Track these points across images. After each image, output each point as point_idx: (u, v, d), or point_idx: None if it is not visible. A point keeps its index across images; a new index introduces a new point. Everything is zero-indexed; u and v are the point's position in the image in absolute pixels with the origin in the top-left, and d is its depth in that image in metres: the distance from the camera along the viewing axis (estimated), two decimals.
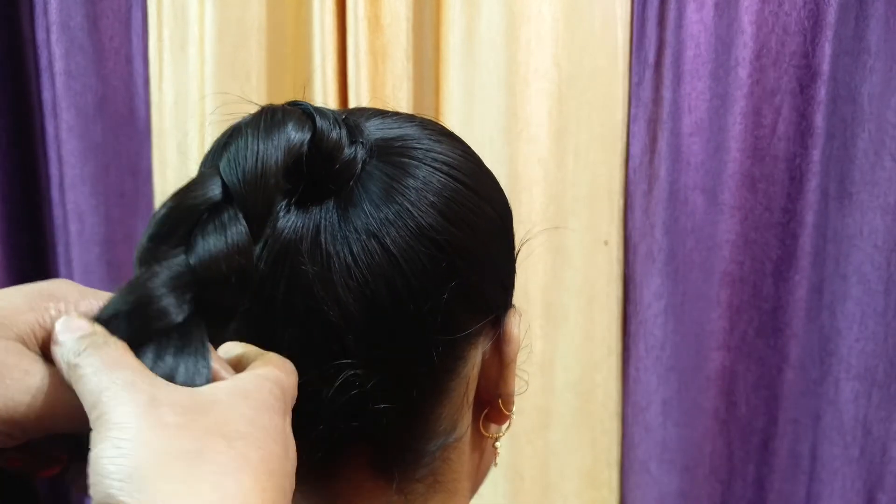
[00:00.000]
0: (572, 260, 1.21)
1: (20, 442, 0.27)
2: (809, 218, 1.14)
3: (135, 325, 0.29)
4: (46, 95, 1.27)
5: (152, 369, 0.28)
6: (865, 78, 1.11)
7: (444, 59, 1.22)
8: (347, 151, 0.35)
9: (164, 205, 0.31)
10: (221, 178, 0.32)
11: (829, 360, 1.18)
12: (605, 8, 1.17)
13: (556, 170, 1.20)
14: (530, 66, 1.19)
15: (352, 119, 0.37)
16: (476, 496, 0.45)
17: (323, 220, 0.34)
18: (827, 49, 1.10)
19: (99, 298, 0.30)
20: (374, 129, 0.38)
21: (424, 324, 0.35)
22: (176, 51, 1.24)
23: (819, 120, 1.12)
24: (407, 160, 0.36)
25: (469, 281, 0.36)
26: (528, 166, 1.20)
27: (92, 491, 0.24)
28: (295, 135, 0.33)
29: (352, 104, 1.21)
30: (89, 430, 0.25)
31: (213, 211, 0.31)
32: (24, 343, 0.28)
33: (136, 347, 0.29)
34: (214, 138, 0.35)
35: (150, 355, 0.29)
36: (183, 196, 0.31)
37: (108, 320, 0.29)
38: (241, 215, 0.31)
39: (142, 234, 0.31)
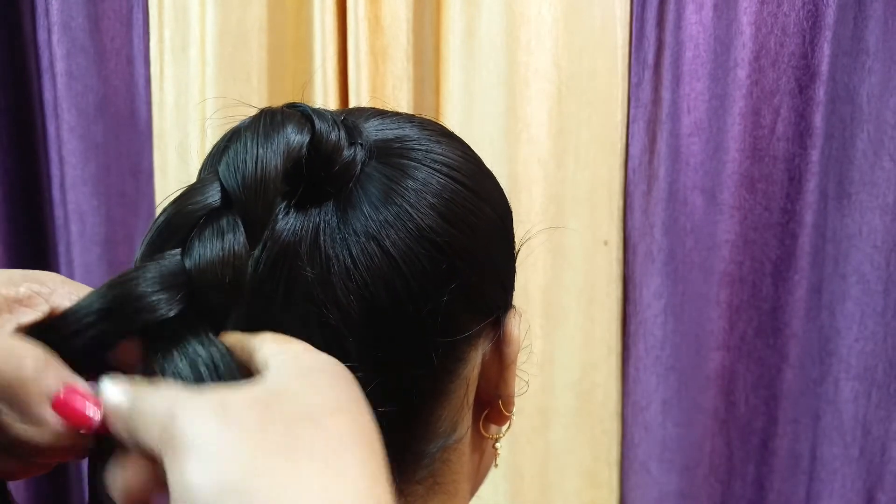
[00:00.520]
0: (572, 260, 1.22)
1: None
2: (808, 218, 1.14)
3: (115, 319, 0.29)
4: (48, 96, 1.27)
5: (175, 370, 0.28)
6: (864, 78, 1.11)
7: (444, 59, 1.22)
8: (346, 153, 0.35)
9: (164, 211, 0.31)
10: (221, 183, 0.32)
11: (828, 360, 1.18)
12: (604, 9, 1.17)
13: (556, 170, 1.20)
14: (530, 66, 1.19)
15: (350, 120, 0.37)
16: (476, 496, 0.45)
17: (322, 223, 0.34)
18: (826, 50, 1.10)
19: (81, 291, 0.31)
20: (373, 130, 0.37)
21: (424, 325, 0.35)
22: (177, 52, 1.24)
23: (818, 120, 1.12)
24: (406, 161, 0.36)
25: (469, 282, 0.36)
26: (528, 166, 1.20)
27: None
28: (294, 137, 0.33)
29: (352, 104, 1.21)
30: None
31: (212, 217, 0.31)
32: None
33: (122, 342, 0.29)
34: (215, 139, 0.35)
35: (159, 356, 0.29)
36: (182, 202, 0.32)
37: (84, 314, 0.29)
38: (239, 221, 0.31)
39: (142, 237, 0.31)
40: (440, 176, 0.36)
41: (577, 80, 1.19)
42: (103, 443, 0.28)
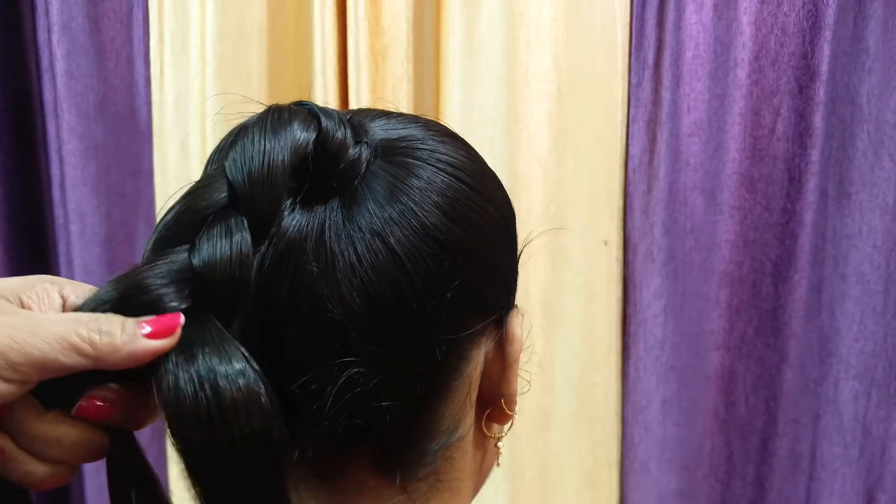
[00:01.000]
0: (572, 260, 1.22)
1: (19, 387, 0.29)
2: (808, 218, 1.14)
3: (125, 311, 0.30)
4: (48, 96, 1.27)
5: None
6: (864, 78, 1.11)
7: (444, 59, 1.22)
8: (352, 151, 0.35)
9: (171, 209, 0.32)
10: (228, 179, 0.32)
11: (828, 360, 1.18)
12: (604, 9, 1.18)
13: (556, 170, 1.20)
14: (530, 66, 1.19)
15: (356, 119, 0.38)
16: (476, 495, 0.45)
17: (327, 220, 0.34)
18: (826, 50, 1.11)
19: (87, 290, 0.33)
20: (378, 130, 0.38)
21: (428, 323, 0.35)
22: (177, 51, 1.24)
23: (818, 120, 1.12)
24: (411, 160, 0.36)
25: (472, 280, 0.37)
26: (528, 166, 1.20)
27: None
28: (301, 134, 0.33)
29: (352, 105, 1.22)
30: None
31: (219, 215, 0.32)
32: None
33: None
34: (216, 139, 0.35)
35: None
36: (189, 200, 0.32)
37: (95, 307, 0.31)
38: (245, 222, 0.32)
39: (149, 235, 0.32)
40: (445, 175, 0.37)
41: (577, 80, 1.19)
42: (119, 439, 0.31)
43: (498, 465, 0.46)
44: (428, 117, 0.41)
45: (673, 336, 1.21)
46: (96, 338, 0.29)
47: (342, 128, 0.35)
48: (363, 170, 0.36)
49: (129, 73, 1.29)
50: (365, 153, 0.36)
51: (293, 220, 0.34)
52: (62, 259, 1.31)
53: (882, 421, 1.16)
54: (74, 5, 1.25)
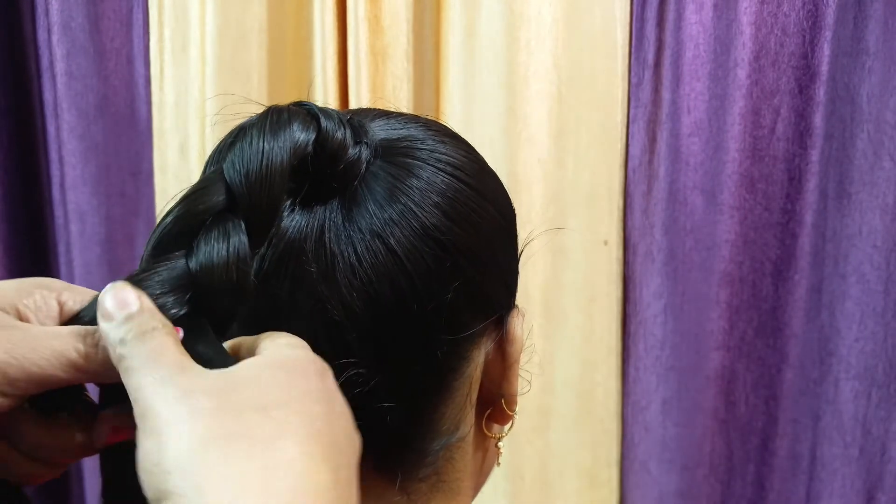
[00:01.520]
0: (572, 260, 1.22)
1: (16, 401, 0.28)
2: (808, 218, 1.14)
3: None
4: (48, 96, 1.27)
5: None
6: (864, 78, 1.11)
7: (444, 59, 1.22)
8: (352, 151, 0.35)
9: (169, 212, 0.32)
10: (226, 181, 0.32)
11: (828, 360, 1.18)
12: (604, 9, 1.18)
13: (556, 170, 1.20)
14: (530, 66, 1.19)
15: (356, 119, 0.37)
16: (476, 495, 0.45)
17: (327, 220, 0.34)
18: (826, 50, 1.11)
19: (84, 295, 0.32)
20: (378, 130, 0.38)
21: (428, 323, 0.35)
22: (177, 51, 1.24)
23: (818, 120, 1.12)
24: (411, 160, 0.36)
25: (473, 281, 0.37)
26: (528, 166, 1.20)
27: (144, 487, 0.25)
28: (300, 135, 0.33)
29: (352, 105, 1.22)
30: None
31: (217, 219, 0.32)
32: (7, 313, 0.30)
33: None
34: (215, 139, 0.35)
35: None
36: (187, 203, 0.32)
37: (93, 316, 0.30)
38: (243, 224, 0.32)
39: (144, 237, 0.32)
40: (445, 175, 0.37)
41: (577, 80, 1.19)
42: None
43: (498, 465, 0.46)
44: (428, 117, 0.41)
45: (673, 336, 1.21)
46: (94, 353, 0.29)
47: (342, 128, 0.35)
48: (363, 170, 0.35)
49: (129, 74, 1.29)
50: (365, 153, 0.36)
51: (293, 220, 0.34)
52: (62, 259, 1.31)
53: (882, 421, 1.16)
54: (74, 5, 1.25)
